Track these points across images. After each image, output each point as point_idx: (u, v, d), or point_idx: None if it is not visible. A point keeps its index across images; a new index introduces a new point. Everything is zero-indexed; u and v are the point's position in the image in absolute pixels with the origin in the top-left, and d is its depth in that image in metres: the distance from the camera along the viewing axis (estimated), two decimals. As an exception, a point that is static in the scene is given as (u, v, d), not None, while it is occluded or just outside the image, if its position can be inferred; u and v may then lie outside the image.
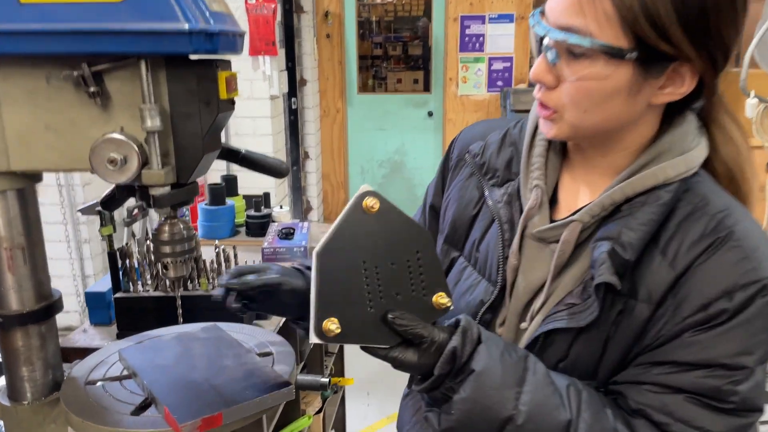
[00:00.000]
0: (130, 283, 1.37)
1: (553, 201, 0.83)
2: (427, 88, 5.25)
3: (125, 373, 0.88)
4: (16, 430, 0.86)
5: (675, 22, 0.65)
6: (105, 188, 0.90)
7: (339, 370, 2.34)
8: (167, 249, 0.82)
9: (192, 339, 0.94)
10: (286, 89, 4.03)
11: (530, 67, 0.83)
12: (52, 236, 3.31)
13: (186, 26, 0.69)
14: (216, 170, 3.78)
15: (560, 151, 0.84)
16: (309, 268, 0.83)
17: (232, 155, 0.93)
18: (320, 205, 5.39)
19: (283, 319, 1.54)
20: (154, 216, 3.51)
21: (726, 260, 0.69)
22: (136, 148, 0.74)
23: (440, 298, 0.71)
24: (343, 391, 2.37)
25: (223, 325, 1.00)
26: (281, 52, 3.86)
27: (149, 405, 0.80)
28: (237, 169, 3.57)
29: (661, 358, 0.71)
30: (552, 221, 0.80)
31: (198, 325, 0.99)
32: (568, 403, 0.71)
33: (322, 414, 1.93)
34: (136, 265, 1.37)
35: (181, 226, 0.83)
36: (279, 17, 3.72)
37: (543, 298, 0.79)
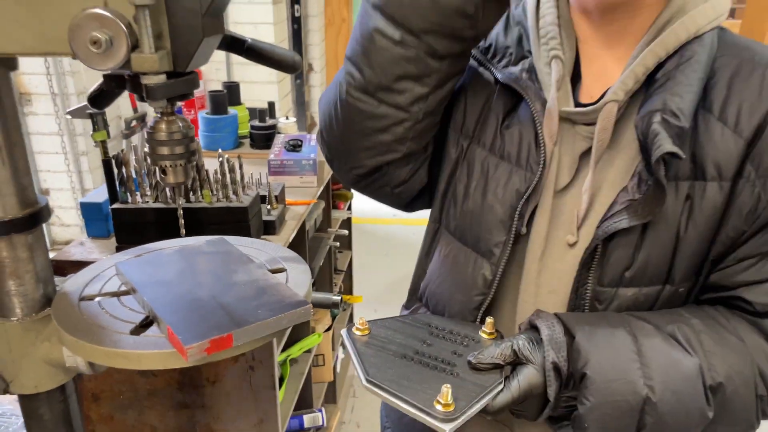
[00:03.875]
0: (128, 194, 1.28)
1: (575, 81, 0.74)
2: (438, -4, 4.96)
3: (123, 288, 0.79)
4: (5, 348, 0.79)
5: None
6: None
7: (348, 289, 2.29)
8: (165, 150, 0.72)
9: (196, 253, 0.85)
10: (289, -6, 3.78)
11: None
12: (48, 148, 3.19)
13: None
14: (215, 80, 3.61)
15: (570, 28, 0.73)
16: None
17: (236, 45, 0.81)
18: (324, 120, 5.23)
19: (294, 233, 1.45)
20: (154, 129, 3.37)
21: None
22: (124, 27, 0.62)
23: (486, 331, 0.73)
24: (352, 309, 2.33)
25: (231, 239, 0.91)
26: None
27: (150, 324, 0.72)
28: (239, 78, 3.40)
29: None
30: (577, 104, 0.71)
31: (203, 238, 0.90)
32: (689, 344, 0.63)
33: (331, 332, 1.89)
34: (134, 175, 1.27)
35: (180, 124, 0.72)
36: None
37: (587, 199, 0.69)
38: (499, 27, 0.78)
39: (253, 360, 1.33)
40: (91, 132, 1.23)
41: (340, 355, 2.27)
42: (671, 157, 0.61)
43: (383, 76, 0.69)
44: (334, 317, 1.94)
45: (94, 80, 0.75)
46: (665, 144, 0.60)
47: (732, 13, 5.39)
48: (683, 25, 0.64)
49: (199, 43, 0.66)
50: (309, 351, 1.68)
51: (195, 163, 0.76)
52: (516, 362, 0.66)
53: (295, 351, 1.58)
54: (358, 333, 0.75)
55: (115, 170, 1.28)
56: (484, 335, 0.73)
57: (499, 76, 0.75)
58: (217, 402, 1.37)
